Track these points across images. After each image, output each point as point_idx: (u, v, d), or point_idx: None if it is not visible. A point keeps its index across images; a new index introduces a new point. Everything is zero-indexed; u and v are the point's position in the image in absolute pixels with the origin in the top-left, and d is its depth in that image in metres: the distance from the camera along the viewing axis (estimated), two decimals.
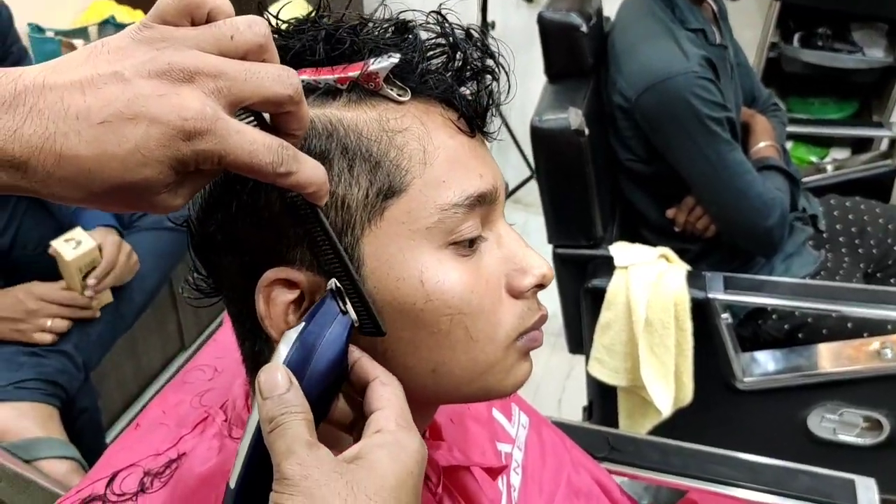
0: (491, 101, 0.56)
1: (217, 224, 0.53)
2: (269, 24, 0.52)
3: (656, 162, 1.61)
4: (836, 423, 1.54)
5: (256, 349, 0.56)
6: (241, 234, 0.52)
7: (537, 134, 1.44)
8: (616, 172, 1.70)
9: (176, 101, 0.40)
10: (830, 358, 1.55)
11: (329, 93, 0.52)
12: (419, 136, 0.52)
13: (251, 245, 0.52)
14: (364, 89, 0.52)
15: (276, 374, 0.46)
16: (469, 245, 0.53)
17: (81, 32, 1.86)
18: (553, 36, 1.54)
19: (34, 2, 1.90)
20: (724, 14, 1.77)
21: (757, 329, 1.65)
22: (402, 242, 0.51)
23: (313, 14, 0.54)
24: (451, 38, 0.54)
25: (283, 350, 0.48)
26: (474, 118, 0.55)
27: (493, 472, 0.72)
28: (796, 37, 2.46)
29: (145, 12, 2.03)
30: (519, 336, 0.56)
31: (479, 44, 0.55)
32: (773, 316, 1.63)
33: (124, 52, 0.40)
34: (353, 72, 0.51)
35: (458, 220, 0.52)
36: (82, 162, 0.39)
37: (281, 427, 0.45)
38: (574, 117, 1.43)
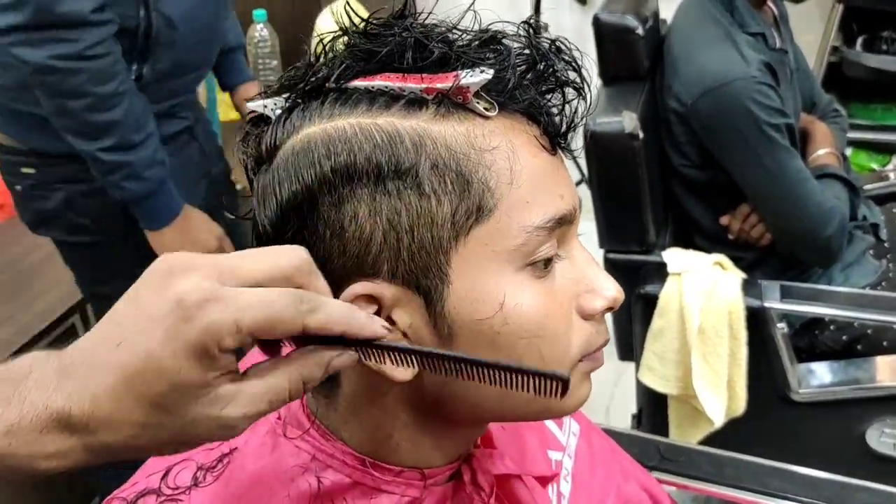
0: (575, 117, 0.54)
1: (294, 230, 0.52)
2: (354, 24, 0.52)
3: (711, 168, 1.58)
4: None
5: None
6: (327, 249, 0.51)
7: (591, 137, 1.43)
8: (670, 178, 1.68)
9: (169, 292, 0.42)
10: (890, 371, 1.51)
11: (414, 102, 0.51)
12: (507, 154, 0.51)
13: (329, 253, 0.51)
14: (452, 102, 0.51)
15: None
16: (544, 266, 0.53)
17: None
18: (608, 38, 1.53)
19: None
20: (785, 18, 1.74)
21: (813, 340, 1.61)
22: (484, 264, 0.51)
23: (398, 16, 0.53)
24: (538, 51, 0.52)
25: None
26: (557, 135, 0.54)
27: (544, 481, 0.72)
28: (859, 41, 2.40)
29: None
30: (583, 357, 0.56)
31: (566, 57, 0.54)
32: (831, 327, 1.59)
33: None
34: (442, 83, 0.50)
35: (539, 242, 0.51)
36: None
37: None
38: (628, 121, 1.41)
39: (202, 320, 0.41)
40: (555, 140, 0.54)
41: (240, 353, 0.47)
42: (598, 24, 1.53)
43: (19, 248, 1.68)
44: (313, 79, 0.52)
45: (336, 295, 0.50)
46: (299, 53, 0.55)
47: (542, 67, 0.53)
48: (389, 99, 0.51)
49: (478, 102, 0.51)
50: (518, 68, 0.52)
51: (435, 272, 0.50)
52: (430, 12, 0.54)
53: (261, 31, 2.03)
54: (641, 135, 1.43)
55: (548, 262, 0.53)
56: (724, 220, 1.64)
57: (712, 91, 1.46)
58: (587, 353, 0.56)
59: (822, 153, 1.70)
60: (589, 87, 0.55)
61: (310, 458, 0.58)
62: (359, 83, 0.51)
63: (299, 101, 0.53)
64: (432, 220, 0.50)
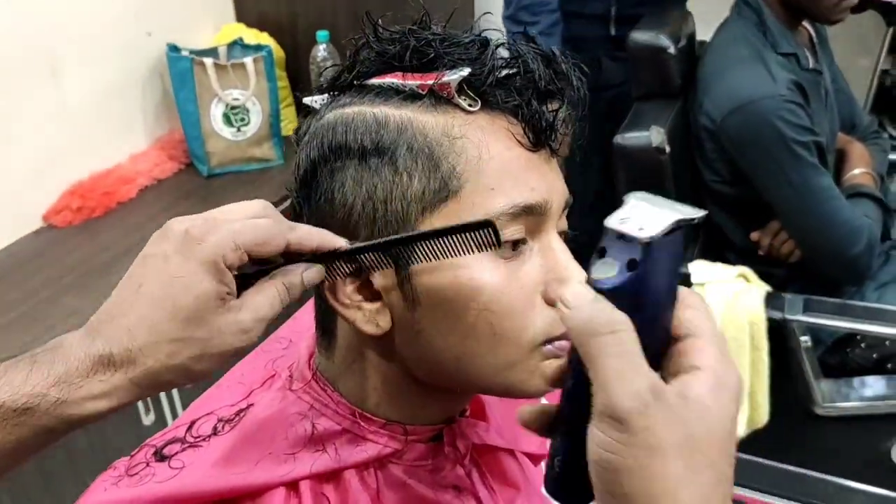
0: (554, 119, 0.59)
1: (303, 196, 0.62)
2: (371, 28, 0.61)
3: (741, 184, 1.61)
4: None
5: (323, 308, 0.65)
6: (320, 212, 0.60)
7: (618, 151, 1.48)
8: (701, 194, 1.71)
9: (172, 232, 0.53)
10: None
11: (411, 96, 0.58)
12: (477, 144, 0.57)
13: (321, 216, 0.60)
14: (439, 97, 0.58)
15: (577, 289, 0.42)
16: (512, 248, 0.58)
17: (212, 52, 2.02)
18: (641, 56, 1.59)
19: (173, 25, 2.09)
20: (823, 39, 1.76)
21: (844, 357, 1.61)
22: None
23: (415, 23, 0.61)
24: (521, 58, 0.58)
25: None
26: (539, 133, 0.58)
27: (535, 459, 0.77)
28: None
29: (270, 34, 2.19)
30: (548, 342, 0.58)
31: (553, 67, 0.59)
32: (862, 344, 1.59)
33: None
34: (431, 80, 0.57)
35: (501, 226, 0.56)
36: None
37: (612, 336, 0.40)
38: (656, 135, 1.46)
39: (209, 240, 0.52)
40: (538, 137, 0.59)
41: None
42: (631, 42, 1.59)
43: (92, 247, 1.78)
44: (344, 77, 0.62)
45: (329, 279, 0.59)
46: None
47: (522, 71, 0.59)
48: (391, 93, 0.59)
49: (462, 99, 0.58)
50: (504, 71, 0.59)
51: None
52: (446, 23, 0.62)
53: (323, 50, 2.13)
54: (668, 149, 1.47)
55: (516, 244, 0.58)
56: (754, 235, 1.67)
57: (741, 109, 1.50)
58: (550, 336, 0.58)
59: (858, 172, 1.70)
60: (580, 95, 0.60)
61: (308, 407, 0.65)
62: (374, 80, 0.60)
63: (334, 95, 0.62)
64: (403, 195, 0.57)
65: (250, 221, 0.54)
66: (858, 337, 1.58)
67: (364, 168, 0.58)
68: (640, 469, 0.39)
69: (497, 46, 0.60)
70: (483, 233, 0.54)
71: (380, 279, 0.59)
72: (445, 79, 0.57)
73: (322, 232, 0.57)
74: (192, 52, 2.02)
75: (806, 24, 1.69)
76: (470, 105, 0.58)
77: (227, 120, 2.04)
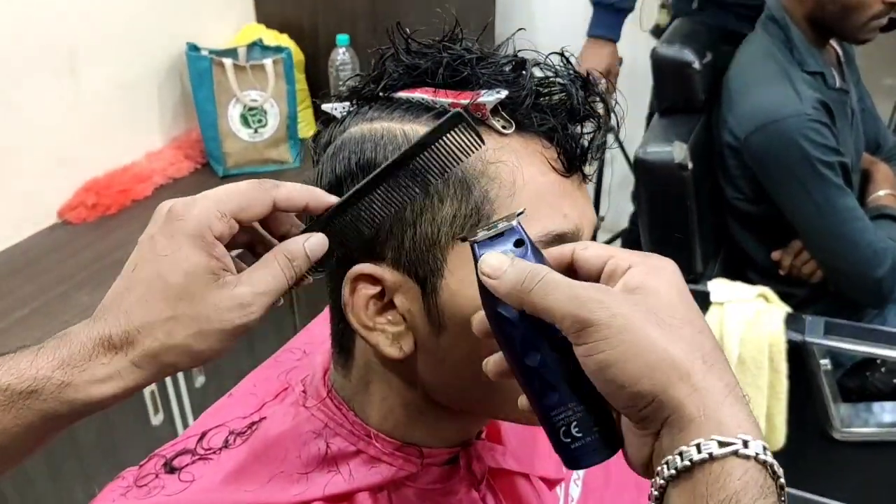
0: (592, 146, 0.57)
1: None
2: (402, 39, 0.59)
3: (764, 202, 1.59)
4: None
5: (341, 326, 0.63)
6: (340, 226, 0.58)
7: (640, 165, 1.46)
8: (723, 211, 1.69)
9: (158, 214, 0.52)
10: None
11: (442, 114, 0.55)
12: (511, 169, 0.54)
13: (347, 237, 0.57)
14: (473, 117, 0.55)
15: (492, 258, 0.48)
16: None
17: (231, 53, 2.02)
18: (665, 71, 1.57)
19: (194, 24, 2.09)
20: (851, 58, 1.74)
21: (864, 381, 1.59)
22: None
23: (444, 38, 0.59)
24: (561, 80, 0.57)
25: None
26: (573, 159, 0.56)
27: (549, 483, 0.75)
28: None
29: (290, 36, 2.19)
30: None
31: (592, 89, 0.57)
32: (882, 368, 1.57)
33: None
34: (465, 99, 0.55)
35: None
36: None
37: (542, 282, 0.45)
38: (678, 151, 1.44)
39: (192, 214, 0.51)
40: (571, 163, 0.57)
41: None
42: (655, 57, 1.57)
43: (106, 244, 1.77)
44: (368, 87, 0.60)
45: (344, 272, 0.57)
46: None
47: (563, 96, 0.57)
48: (422, 109, 0.57)
49: (497, 120, 0.56)
50: (540, 94, 0.57)
51: (432, 264, 0.55)
52: (479, 37, 0.60)
53: (343, 54, 2.12)
54: (691, 165, 1.45)
55: None
56: (775, 255, 1.64)
57: (765, 127, 1.48)
58: None
59: (883, 194, 1.68)
60: (617, 118, 0.59)
61: (322, 426, 0.64)
62: (402, 94, 0.58)
63: (357, 105, 0.60)
64: (433, 218, 0.55)
65: (231, 186, 0.53)
66: (879, 361, 1.55)
67: (393, 188, 0.56)
68: (628, 349, 0.42)
69: (533, 66, 0.58)
70: (462, 131, 0.53)
71: (403, 301, 0.57)
72: (482, 99, 0.55)
73: (311, 188, 0.55)
74: (211, 51, 2.01)
75: (833, 42, 1.67)
76: (504, 127, 0.56)
77: (245, 121, 2.03)
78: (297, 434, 0.64)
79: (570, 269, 0.51)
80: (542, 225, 0.54)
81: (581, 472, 0.83)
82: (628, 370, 0.42)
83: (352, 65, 2.14)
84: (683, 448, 0.41)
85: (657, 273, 0.46)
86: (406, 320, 0.58)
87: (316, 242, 0.55)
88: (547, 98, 0.57)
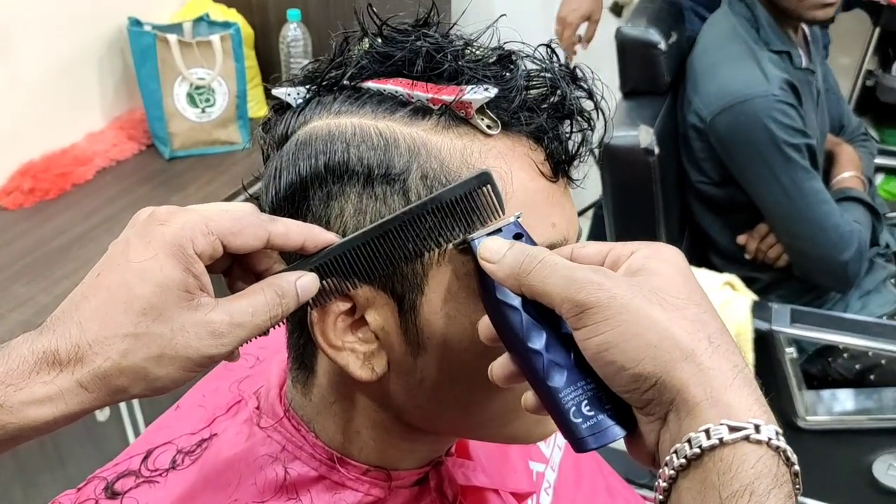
0: (582, 148, 0.53)
1: (287, 217, 0.53)
2: (375, 26, 0.52)
3: (729, 186, 1.57)
4: None
5: (302, 341, 0.57)
6: (333, 266, 0.51)
7: (605, 150, 1.43)
8: (687, 194, 1.67)
9: (140, 218, 0.47)
10: None
11: (419, 111, 0.51)
12: (501, 175, 0.49)
13: (335, 276, 0.51)
14: (455, 115, 0.50)
15: (492, 242, 0.47)
16: None
17: (176, 28, 1.92)
18: (630, 52, 1.53)
19: None
20: (817, 38, 1.72)
21: (826, 367, 1.59)
22: (462, 280, 0.50)
23: (418, 23, 0.53)
24: (551, 76, 0.51)
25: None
26: (561, 162, 0.52)
27: (520, 497, 0.71)
28: (895, 65, 2.36)
29: (238, 11, 2.11)
30: None
31: (582, 85, 0.53)
32: (844, 354, 1.56)
33: None
34: (448, 95, 0.50)
35: None
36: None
37: (540, 264, 0.44)
38: (644, 135, 1.41)
39: (175, 222, 0.45)
40: (558, 167, 0.52)
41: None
42: (620, 37, 1.53)
43: (44, 231, 1.71)
44: (331, 74, 0.53)
45: (324, 297, 0.51)
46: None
47: (551, 93, 0.52)
48: (396, 104, 0.51)
49: (481, 119, 0.50)
50: (528, 91, 0.51)
51: (411, 279, 0.50)
52: (455, 23, 0.54)
53: (294, 30, 2.05)
54: (657, 150, 1.42)
55: None
56: (741, 239, 1.63)
57: (731, 108, 1.45)
58: None
59: (847, 176, 1.67)
60: (605, 117, 0.54)
61: (280, 449, 0.59)
62: (372, 84, 0.52)
63: (317, 93, 0.54)
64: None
65: (224, 205, 0.48)
66: (841, 347, 1.55)
67: (369, 196, 0.50)
68: (627, 329, 0.41)
69: (516, 58, 0.52)
70: (479, 193, 0.48)
71: (376, 318, 0.52)
72: (468, 97, 0.49)
73: (310, 226, 0.49)
74: (154, 27, 1.93)
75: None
76: (489, 127, 0.50)
77: (192, 100, 1.95)
78: (251, 458, 0.59)
79: None
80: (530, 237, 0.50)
81: (552, 480, 0.80)
82: (629, 351, 0.41)
83: (304, 41, 2.08)
84: (692, 434, 0.39)
85: (659, 255, 0.45)
86: (379, 338, 0.52)
87: (308, 282, 0.49)
88: (534, 95, 0.51)
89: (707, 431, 0.39)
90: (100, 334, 0.43)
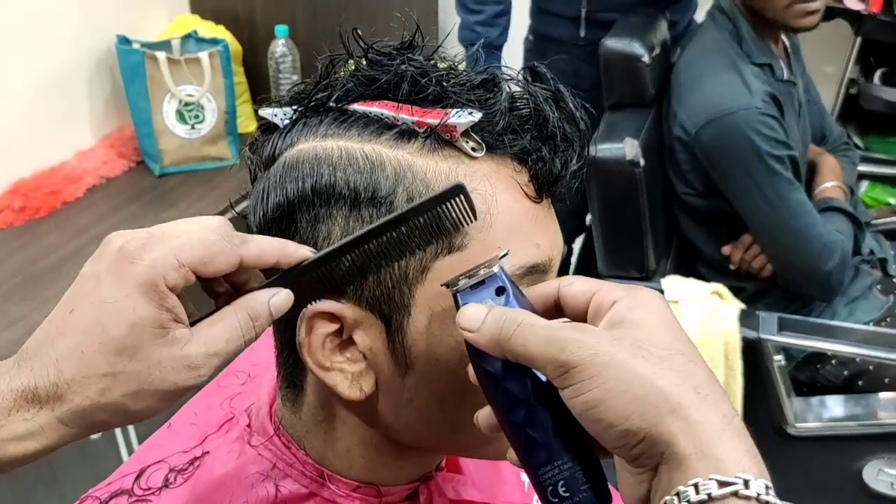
0: (565, 170, 0.53)
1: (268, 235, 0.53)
2: (360, 50, 0.53)
3: (714, 197, 1.59)
4: (893, 478, 1.48)
5: (291, 361, 0.58)
6: (308, 281, 0.52)
7: (591, 164, 1.44)
8: (673, 206, 1.68)
9: (108, 250, 0.46)
10: (891, 408, 1.49)
11: (405, 134, 0.51)
12: (485, 197, 0.50)
13: (312, 293, 0.52)
14: (440, 137, 0.51)
15: (469, 309, 0.46)
16: None
17: (165, 45, 1.93)
18: (614, 65, 1.54)
19: (123, 15, 2.00)
20: (797, 49, 1.74)
21: (814, 373, 1.60)
22: (448, 300, 0.50)
23: (406, 46, 0.54)
24: (534, 99, 0.52)
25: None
26: (545, 183, 0.53)
27: None
28: (877, 74, 2.38)
29: (226, 27, 2.11)
30: None
31: (565, 109, 0.53)
32: (832, 361, 1.58)
33: None
34: (433, 119, 0.50)
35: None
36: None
37: (519, 328, 0.44)
38: (630, 148, 1.42)
39: (145, 258, 0.45)
40: (542, 188, 0.53)
41: None
42: (604, 50, 1.55)
43: (36, 250, 1.70)
44: (317, 96, 0.54)
45: (300, 308, 0.51)
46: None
47: (534, 115, 0.52)
48: (382, 127, 0.52)
49: (466, 142, 0.51)
50: (511, 114, 0.52)
51: (398, 301, 0.51)
52: (440, 45, 0.54)
53: (282, 46, 2.06)
54: (643, 162, 1.44)
55: None
56: (725, 249, 1.64)
57: (715, 120, 1.47)
58: None
59: (829, 186, 1.69)
60: (587, 139, 0.55)
61: (270, 466, 0.59)
62: (358, 107, 0.53)
63: (303, 114, 0.55)
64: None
65: (195, 235, 0.47)
66: (829, 353, 1.56)
67: (356, 219, 0.50)
68: (613, 385, 0.40)
69: (499, 81, 0.53)
70: (454, 204, 0.48)
71: (364, 338, 0.53)
72: (453, 120, 0.50)
73: (283, 242, 0.50)
74: (143, 44, 1.93)
75: (783, 34, 1.66)
76: (474, 150, 0.51)
77: (181, 117, 1.95)
78: (242, 475, 0.59)
79: (557, 307, 0.48)
80: (515, 258, 0.51)
81: None
82: (616, 407, 0.40)
83: (292, 56, 2.09)
84: (681, 488, 0.39)
85: (641, 305, 0.44)
86: (367, 359, 0.53)
87: (282, 300, 0.50)
88: (518, 117, 0.52)
89: (696, 486, 0.38)
90: (77, 374, 0.44)
